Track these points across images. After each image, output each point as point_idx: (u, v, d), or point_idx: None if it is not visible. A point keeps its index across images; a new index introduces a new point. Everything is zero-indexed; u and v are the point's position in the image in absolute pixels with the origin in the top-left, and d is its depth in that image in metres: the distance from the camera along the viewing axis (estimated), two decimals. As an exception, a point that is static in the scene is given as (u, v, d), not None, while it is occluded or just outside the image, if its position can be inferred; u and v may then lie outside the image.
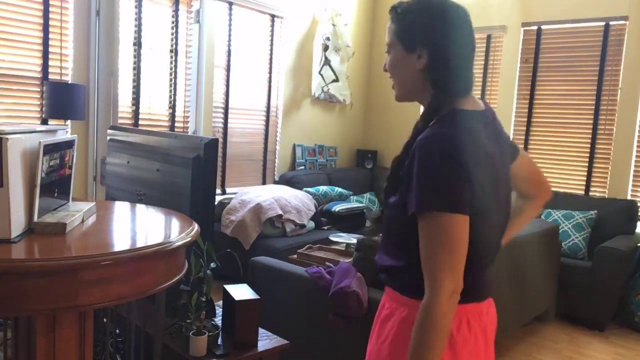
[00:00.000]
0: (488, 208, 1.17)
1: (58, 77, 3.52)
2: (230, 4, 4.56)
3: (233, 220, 4.14)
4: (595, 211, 4.27)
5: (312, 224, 4.48)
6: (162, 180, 2.10)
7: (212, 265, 1.92)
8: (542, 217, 4.39)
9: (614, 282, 3.83)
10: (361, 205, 4.93)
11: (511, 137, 5.12)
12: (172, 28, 4.18)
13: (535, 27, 4.98)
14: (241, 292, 2.08)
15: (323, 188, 4.99)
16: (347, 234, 3.97)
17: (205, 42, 4.36)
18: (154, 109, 4.14)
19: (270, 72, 5.05)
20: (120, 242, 1.40)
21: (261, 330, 2.12)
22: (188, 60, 4.36)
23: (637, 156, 4.48)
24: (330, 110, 5.75)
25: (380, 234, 1.37)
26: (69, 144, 1.52)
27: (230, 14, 4.58)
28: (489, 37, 5.26)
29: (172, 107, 4.25)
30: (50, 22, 3.43)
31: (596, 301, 3.87)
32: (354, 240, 3.51)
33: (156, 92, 4.14)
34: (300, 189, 4.81)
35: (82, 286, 1.19)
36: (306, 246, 3.68)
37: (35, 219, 1.33)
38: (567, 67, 4.83)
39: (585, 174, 4.75)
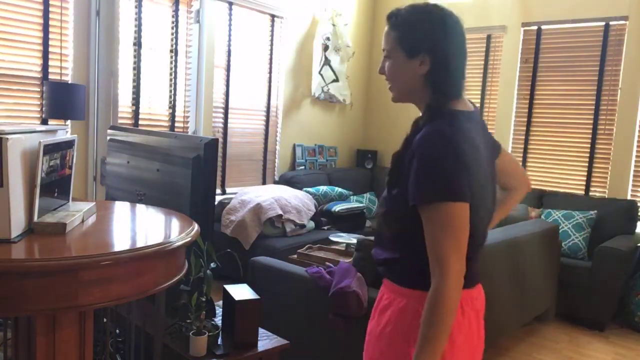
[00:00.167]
0: (480, 198, 1.26)
1: (58, 77, 3.52)
2: (230, 4, 4.56)
3: (233, 220, 4.14)
4: (595, 211, 4.27)
5: (312, 224, 4.48)
6: (162, 180, 2.10)
7: (212, 265, 1.92)
8: (542, 217, 4.39)
9: (614, 282, 3.83)
10: (361, 205, 4.93)
11: (511, 137, 5.17)
12: (172, 28, 4.18)
13: (535, 27, 4.98)
14: (241, 292, 2.08)
15: (323, 188, 4.99)
16: (347, 234, 3.97)
17: (205, 42, 4.36)
18: (154, 109, 4.14)
19: (270, 72, 5.06)
20: (120, 242, 1.40)
21: (261, 330, 2.12)
22: (188, 60, 4.36)
23: (637, 156, 4.48)
24: (330, 110, 5.75)
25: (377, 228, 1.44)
26: (69, 144, 1.52)
27: (230, 14, 4.58)
28: (489, 37, 5.26)
29: (172, 107, 4.25)
30: (50, 22, 3.43)
31: (596, 301, 3.87)
32: (354, 240, 3.52)
33: (156, 92, 4.14)
34: (300, 189, 4.81)
35: (82, 286, 1.19)
36: (306, 246, 3.69)
37: (35, 219, 1.33)
38: (567, 67, 4.83)
39: (585, 174, 4.75)
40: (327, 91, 5.46)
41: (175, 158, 2.04)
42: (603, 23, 4.61)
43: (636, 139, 4.47)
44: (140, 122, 4.00)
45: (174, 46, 4.20)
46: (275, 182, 5.16)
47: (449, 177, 1.18)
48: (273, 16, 4.99)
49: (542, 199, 4.65)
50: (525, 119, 5.07)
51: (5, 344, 1.84)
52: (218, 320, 2.16)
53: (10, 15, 3.26)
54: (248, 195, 4.31)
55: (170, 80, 4.23)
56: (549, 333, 3.78)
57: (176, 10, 4.17)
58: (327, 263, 3.00)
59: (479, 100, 5.36)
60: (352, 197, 5.21)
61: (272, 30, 5.02)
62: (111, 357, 2.00)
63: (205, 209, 1.97)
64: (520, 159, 5.11)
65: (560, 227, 4.15)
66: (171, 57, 4.21)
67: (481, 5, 5.23)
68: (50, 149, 1.38)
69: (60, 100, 3.13)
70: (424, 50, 1.27)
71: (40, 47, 3.41)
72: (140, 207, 1.85)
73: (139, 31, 3.91)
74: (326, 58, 5.37)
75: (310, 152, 5.54)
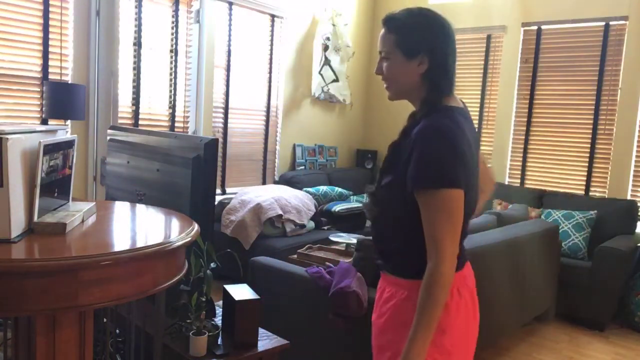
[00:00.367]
0: (470, 187, 1.36)
1: (58, 77, 3.52)
2: (230, 4, 4.56)
3: (233, 220, 4.14)
4: (595, 211, 4.27)
5: (312, 224, 4.48)
6: (162, 180, 2.10)
7: (212, 265, 1.92)
8: (542, 217, 4.39)
9: (614, 282, 3.83)
10: (361, 205, 4.93)
11: (511, 137, 5.17)
12: (172, 28, 4.18)
13: (535, 27, 4.98)
14: (241, 292, 2.08)
15: (323, 188, 4.99)
16: (347, 234, 3.97)
17: (205, 42, 4.36)
18: (154, 109, 4.14)
19: (270, 72, 5.06)
20: (120, 242, 1.40)
21: (261, 330, 2.12)
22: (188, 60, 4.36)
23: (637, 156, 4.48)
24: (330, 110, 5.75)
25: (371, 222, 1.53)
26: (69, 144, 1.52)
27: (230, 14, 4.58)
28: (489, 37, 5.26)
29: (172, 107, 4.25)
30: (50, 22, 3.43)
31: (596, 301, 3.87)
32: (354, 240, 3.52)
33: (156, 92, 4.14)
34: (300, 189, 4.81)
35: (82, 286, 1.19)
36: (306, 246, 3.68)
37: (35, 219, 1.33)
38: (567, 67, 4.83)
39: (585, 174, 4.75)
40: (327, 91, 5.46)
41: (175, 158, 2.04)
42: (603, 23, 4.61)
43: (636, 139, 4.47)
44: (140, 122, 4.00)
45: (174, 46, 4.20)
46: (275, 182, 5.16)
47: (447, 165, 1.28)
48: (273, 16, 4.99)
49: (542, 199, 4.65)
50: (525, 119, 5.07)
51: (5, 344, 1.84)
52: (218, 320, 2.16)
53: (10, 15, 3.26)
54: (248, 195, 4.31)
55: (170, 80, 4.23)
56: (549, 333, 3.78)
57: (176, 10, 4.17)
58: (327, 263, 3.00)
59: (479, 100, 5.36)
60: (352, 197, 5.21)
61: (272, 30, 5.02)
62: (111, 357, 2.00)
63: (205, 209, 1.97)
64: (520, 159, 5.11)
65: (560, 227, 4.15)
66: (171, 57, 4.21)
67: (481, 5, 5.23)
68: (50, 149, 1.38)
69: (60, 100, 3.13)
70: (422, 51, 1.37)
71: (40, 47, 3.41)
72: (140, 207, 1.85)
73: (139, 31, 3.91)
74: (326, 58, 5.37)
75: (310, 152, 5.54)
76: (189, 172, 1.95)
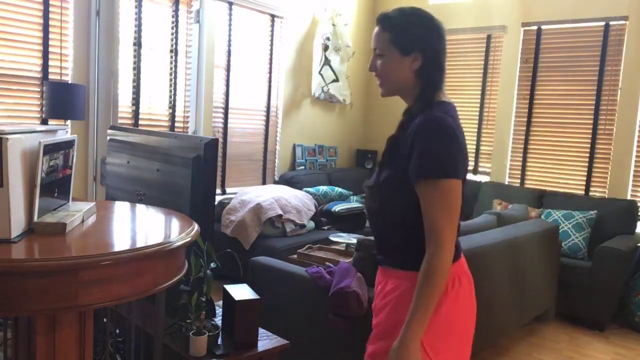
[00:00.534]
0: (465, 178, 1.43)
1: (58, 77, 3.52)
2: (230, 4, 4.56)
3: (233, 220, 4.14)
4: (595, 211, 4.27)
5: (312, 224, 4.48)
6: (162, 180, 2.10)
7: (212, 265, 1.92)
8: (542, 217, 4.39)
9: (614, 282, 3.83)
10: (361, 205, 4.93)
11: (511, 137, 5.17)
12: (172, 28, 4.18)
13: (535, 27, 4.98)
14: (241, 292, 2.08)
15: (323, 188, 4.99)
16: (347, 234, 3.97)
17: (205, 42, 4.36)
18: (154, 109, 4.14)
19: (270, 72, 5.06)
20: (120, 242, 1.40)
21: (261, 330, 2.12)
22: (188, 60, 4.36)
23: (637, 156, 4.48)
24: (330, 110, 5.75)
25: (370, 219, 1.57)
26: (69, 144, 1.52)
27: (230, 14, 4.58)
28: (489, 37, 5.26)
29: (172, 107, 4.25)
30: (50, 22, 3.44)
31: (596, 301, 3.87)
32: (354, 240, 3.51)
33: (156, 92, 4.14)
34: (300, 189, 4.81)
35: (82, 286, 1.19)
36: (306, 246, 3.68)
37: (35, 219, 1.33)
38: (567, 67, 4.83)
39: (585, 174, 4.75)
40: (327, 91, 5.46)
41: (175, 158, 2.04)
42: (603, 23, 4.61)
43: (636, 139, 4.47)
44: (140, 122, 4.00)
45: (174, 46, 4.20)
46: (275, 182, 5.16)
47: (447, 157, 1.35)
48: (273, 16, 4.99)
49: (542, 199, 4.65)
50: (525, 119, 5.07)
51: (5, 344, 1.84)
52: (218, 320, 2.15)
53: (10, 15, 3.26)
54: (248, 195, 4.31)
55: (170, 80, 4.23)
56: (549, 333, 3.78)
57: (176, 10, 4.17)
58: (327, 263, 3.00)
59: (479, 100, 5.36)
60: (352, 197, 5.21)
61: (272, 30, 5.02)
62: (111, 357, 2.00)
63: (205, 209, 1.97)
64: (520, 159, 5.11)
65: (560, 227, 4.15)
66: (171, 57, 4.21)
67: (481, 5, 5.23)
68: (51, 149, 1.38)
69: (60, 100, 3.13)
70: (416, 49, 1.43)
71: (40, 47, 3.41)
72: (140, 207, 1.85)
73: (139, 31, 3.91)
74: (326, 58, 5.37)
75: (310, 152, 5.54)
76: (189, 172, 1.95)
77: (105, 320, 2.01)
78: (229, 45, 4.61)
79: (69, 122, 3.51)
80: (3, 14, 3.23)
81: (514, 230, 3.31)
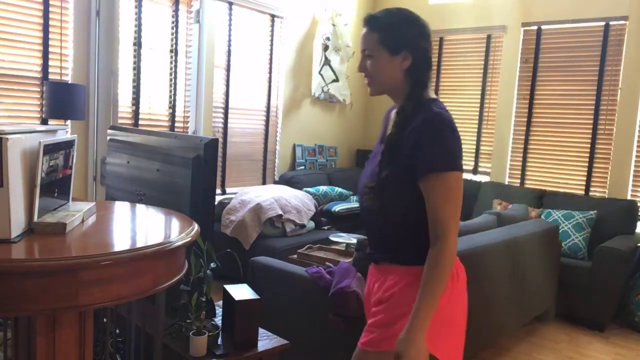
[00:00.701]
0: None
1: (58, 77, 3.52)
2: (230, 4, 4.56)
3: (233, 220, 4.14)
4: (595, 211, 4.27)
5: (312, 224, 4.48)
6: (162, 180, 2.10)
7: (212, 265, 1.92)
8: (542, 217, 4.39)
9: (614, 282, 3.83)
10: (361, 205, 4.92)
11: (511, 137, 5.17)
12: (172, 28, 4.18)
13: (535, 27, 4.98)
14: (241, 292, 2.08)
15: (323, 188, 4.99)
16: (347, 234, 3.97)
17: (205, 42, 4.36)
18: (154, 109, 4.14)
19: (270, 72, 5.06)
20: (120, 242, 1.40)
21: (261, 330, 2.12)
22: (188, 60, 4.36)
23: (637, 156, 4.48)
24: (330, 110, 5.75)
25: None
26: (69, 144, 1.52)
27: (230, 14, 4.58)
28: (489, 37, 5.26)
29: (172, 107, 4.25)
30: (50, 22, 3.43)
31: (596, 301, 3.87)
32: (354, 240, 3.52)
33: (156, 92, 4.14)
34: (300, 189, 4.81)
35: (82, 286, 1.19)
36: (306, 246, 3.68)
37: (35, 219, 1.33)
38: (567, 67, 4.82)
39: (585, 174, 4.75)
40: (327, 91, 5.46)
41: (175, 158, 2.04)
42: (603, 23, 4.61)
43: (636, 139, 4.47)
44: (140, 122, 4.00)
45: (174, 46, 4.20)
46: (275, 182, 5.16)
47: (453, 150, 1.39)
48: (273, 16, 4.99)
49: (542, 199, 4.65)
50: (525, 119, 5.07)
51: (5, 344, 1.84)
52: (218, 320, 2.16)
53: (10, 15, 3.26)
54: (248, 195, 4.31)
55: (170, 80, 4.23)
56: (549, 333, 3.78)
57: (176, 10, 4.17)
58: (327, 263, 3.00)
59: (479, 100, 5.36)
60: (352, 197, 5.21)
61: (272, 30, 5.02)
62: (111, 357, 2.00)
63: (205, 209, 1.97)
64: (520, 159, 5.11)
65: (560, 227, 4.15)
66: (171, 57, 4.21)
67: (481, 5, 5.23)
68: (51, 149, 1.38)
69: (60, 100, 3.13)
70: (405, 48, 1.45)
71: (40, 47, 3.41)
72: (140, 207, 1.85)
73: (139, 31, 3.91)
74: (326, 58, 5.37)
75: (310, 152, 5.54)
76: (189, 172, 1.95)
77: (105, 320, 2.01)
78: (229, 45, 4.61)
79: (69, 122, 3.51)
80: (3, 14, 3.23)
81: (514, 230, 3.31)
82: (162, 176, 2.10)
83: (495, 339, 3.28)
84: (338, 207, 4.67)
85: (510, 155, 5.17)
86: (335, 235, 3.89)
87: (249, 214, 4.10)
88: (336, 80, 5.49)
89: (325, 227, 4.57)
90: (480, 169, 5.37)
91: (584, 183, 4.75)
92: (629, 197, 4.47)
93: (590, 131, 4.71)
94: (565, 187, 4.83)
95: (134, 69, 3.94)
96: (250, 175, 5.03)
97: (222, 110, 4.64)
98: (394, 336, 1.40)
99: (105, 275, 1.22)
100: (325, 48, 5.35)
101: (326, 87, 5.43)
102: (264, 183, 5.10)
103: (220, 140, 4.64)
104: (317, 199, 4.75)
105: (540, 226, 3.61)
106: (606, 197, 4.56)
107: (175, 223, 1.63)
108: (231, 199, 4.37)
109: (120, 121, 3.84)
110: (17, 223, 1.26)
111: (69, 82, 3.55)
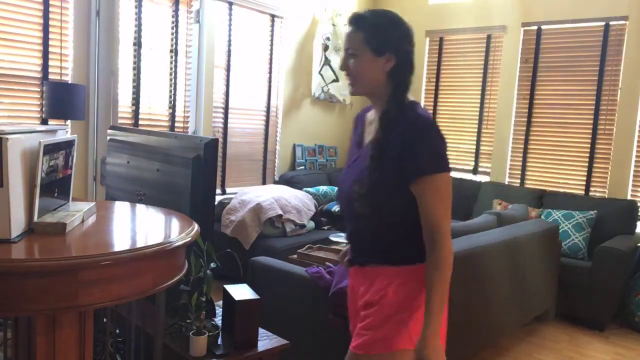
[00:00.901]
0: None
1: (58, 77, 3.52)
2: (230, 4, 4.56)
3: (233, 220, 4.14)
4: (595, 211, 4.27)
5: (312, 224, 4.48)
6: (162, 180, 2.10)
7: (212, 265, 1.92)
8: (542, 217, 4.39)
9: (614, 282, 3.83)
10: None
11: (511, 137, 5.16)
12: (172, 28, 4.18)
13: (535, 27, 4.98)
14: (241, 292, 2.08)
15: (323, 188, 4.99)
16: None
17: (205, 42, 4.36)
18: (154, 109, 4.14)
19: (270, 72, 5.06)
20: (120, 242, 1.40)
21: (261, 330, 2.12)
22: (188, 60, 4.36)
23: (637, 156, 4.48)
24: (330, 110, 5.75)
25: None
26: (69, 144, 1.52)
27: (230, 14, 4.58)
28: (489, 37, 5.26)
29: (172, 107, 4.25)
30: (50, 22, 3.43)
31: (596, 301, 3.87)
32: (354, 240, 3.50)
33: (156, 92, 4.14)
34: (300, 189, 4.81)
35: (82, 286, 1.19)
36: (306, 246, 3.68)
37: (35, 219, 1.33)
38: (567, 67, 4.82)
39: (585, 174, 4.75)
40: (327, 91, 5.46)
41: (175, 158, 2.04)
42: (603, 23, 4.61)
43: (636, 139, 4.47)
44: (140, 122, 4.00)
45: (174, 46, 4.20)
46: (275, 182, 5.16)
47: (441, 152, 1.42)
48: (273, 16, 4.99)
49: (542, 199, 4.65)
50: (525, 119, 5.07)
51: (5, 344, 1.84)
52: (218, 320, 2.16)
53: (10, 15, 3.26)
54: (248, 195, 4.31)
55: (170, 80, 4.23)
56: (549, 333, 3.78)
57: (176, 10, 4.17)
58: (327, 263, 3.00)
59: (479, 100, 5.36)
60: (352, 197, 5.21)
61: (272, 30, 5.02)
62: (111, 357, 2.00)
63: (205, 209, 1.97)
64: (520, 159, 5.11)
65: (560, 227, 4.15)
66: (171, 57, 4.21)
67: (481, 5, 5.23)
68: (51, 149, 1.38)
69: (60, 100, 3.13)
70: (389, 50, 1.46)
71: (40, 47, 3.41)
72: (140, 207, 1.85)
73: (139, 31, 3.91)
74: (326, 58, 5.37)
75: (310, 152, 5.54)
76: (189, 172, 1.95)
77: (105, 320, 2.01)
78: (229, 45, 4.61)
79: (69, 122, 3.51)
80: (3, 14, 3.23)
81: (514, 230, 3.31)
82: (162, 176, 2.10)
83: (495, 339, 3.28)
84: (338, 207, 4.67)
85: (510, 155, 5.17)
86: (335, 235, 3.89)
87: (249, 214, 4.10)
88: (336, 80, 5.49)
89: (325, 227, 4.57)
90: (480, 169, 5.37)
91: (584, 183, 4.75)
92: (629, 197, 4.47)
93: (590, 131, 4.71)
94: (565, 187, 4.83)
95: (134, 69, 3.94)
96: (250, 175, 5.03)
97: (222, 110, 4.64)
98: (385, 338, 1.42)
99: (105, 275, 1.22)
100: (325, 48, 5.35)
101: (326, 87, 5.44)
102: (264, 183, 5.10)
103: (220, 140, 4.64)
104: (317, 199, 4.75)
105: (540, 226, 3.61)
106: (606, 197, 4.56)
107: (175, 223, 1.63)
108: (231, 199, 4.37)
109: (120, 121, 3.84)
110: (17, 223, 1.26)
111: (69, 82, 3.55)
